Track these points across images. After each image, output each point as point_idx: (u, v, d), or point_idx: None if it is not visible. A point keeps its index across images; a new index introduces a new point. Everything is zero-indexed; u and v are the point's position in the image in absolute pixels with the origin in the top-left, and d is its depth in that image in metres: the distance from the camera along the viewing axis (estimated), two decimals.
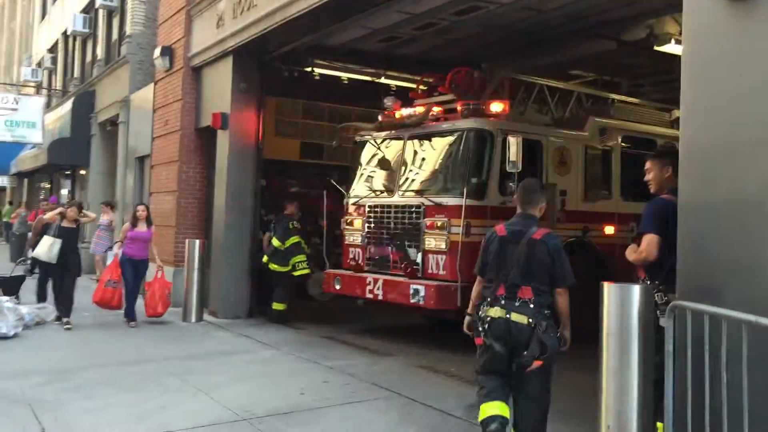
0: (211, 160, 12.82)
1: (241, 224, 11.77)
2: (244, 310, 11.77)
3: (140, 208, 10.94)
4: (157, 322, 10.90)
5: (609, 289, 4.57)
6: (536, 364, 4.77)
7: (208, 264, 11.68)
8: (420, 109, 9.78)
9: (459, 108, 9.26)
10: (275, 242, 11.39)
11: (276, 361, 8.50)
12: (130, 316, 10.64)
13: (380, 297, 9.20)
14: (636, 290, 4.46)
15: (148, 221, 10.88)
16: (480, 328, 4.93)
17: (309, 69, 12.75)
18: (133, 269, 10.68)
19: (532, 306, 4.84)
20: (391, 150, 10.09)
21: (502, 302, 4.89)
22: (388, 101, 10.20)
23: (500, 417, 4.86)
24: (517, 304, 4.86)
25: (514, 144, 8.23)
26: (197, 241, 11.44)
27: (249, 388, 7.10)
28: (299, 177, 14.67)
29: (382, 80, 13.73)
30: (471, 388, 7.11)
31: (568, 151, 9.63)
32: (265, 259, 11.44)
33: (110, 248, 11.21)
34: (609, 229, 9.97)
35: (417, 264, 8.98)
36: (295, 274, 11.48)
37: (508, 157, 8.28)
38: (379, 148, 10.34)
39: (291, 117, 14.31)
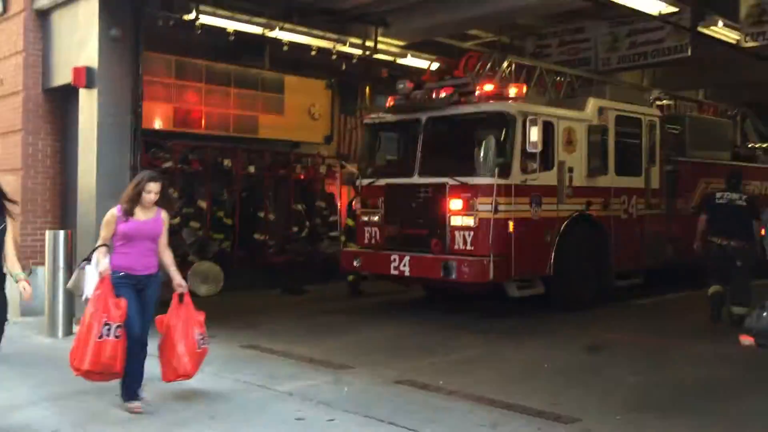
0: (68, 129, 10.13)
1: None
2: None
3: (151, 185, 5.65)
4: None
5: None
6: None
7: (72, 261, 9.09)
8: (442, 93, 9.86)
9: (479, 92, 9.59)
10: (350, 222, 11.84)
11: (211, 389, 6.36)
12: (138, 383, 5.71)
13: (407, 273, 9.59)
14: None
15: (163, 205, 5.84)
16: None
17: (192, 17, 10.45)
18: (137, 296, 5.62)
19: None
20: (406, 132, 10.51)
21: None
22: (400, 84, 10.25)
23: None
24: None
25: (536, 126, 8.92)
26: (62, 233, 8.82)
27: None
28: (173, 150, 12.21)
29: (276, 33, 11.65)
30: (495, 412, 5.61)
31: (573, 131, 10.07)
32: (343, 239, 12.14)
33: (87, 260, 5.75)
34: (606, 203, 10.57)
35: (444, 240, 9.36)
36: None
37: (529, 138, 8.95)
38: (392, 131, 10.92)
39: (161, 77, 11.76)
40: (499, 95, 9.45)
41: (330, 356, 7.52)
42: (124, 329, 5.44)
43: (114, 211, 5.64)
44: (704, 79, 17.57)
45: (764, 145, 14.58)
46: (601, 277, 10.37)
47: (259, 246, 13.13)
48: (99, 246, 5.65)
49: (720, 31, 11.36)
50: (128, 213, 5.59)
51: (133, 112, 9.32)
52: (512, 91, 9.44)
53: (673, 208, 11.77)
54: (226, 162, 12.75)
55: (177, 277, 5.78)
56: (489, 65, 10.10)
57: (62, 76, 9.67)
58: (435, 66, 10.77)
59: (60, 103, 10.20)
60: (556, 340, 8.37)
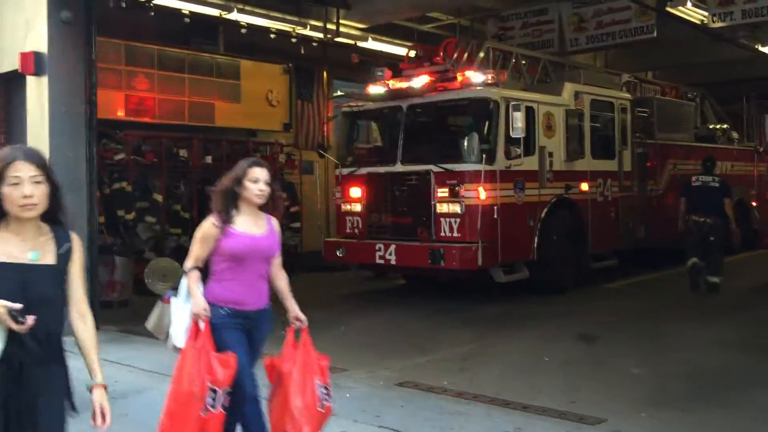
0: (12, 119, 9.33)
1: (73, 206, 8.52)
2: None
3: (257, 171, 3.97)
4: None
5: None
6: None
7: None
8: (424, 80, 9.77)
9: (461, 78, 9.48)
10: None
11: None
12: None
13: (393, 262, 9.54)
14: None
15: (271, 208, 4.10)
16: None
17: None
18: (246, 340, 4.00)
19: None
20: (387, 120, 10.50)
21: None
22: (378, 71, 10.06)
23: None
24: None
25: (519, 112, 8.77)
26: None
27: None
28: (125, 141, 11.44)
29: (234, 15, 11.04)
30: (514, 414, 5.28)
31: (552, 115, 10.04)
32: None
33: (173, 290, 4.05)
34: (584, 186, 10.58)
35: (430, 228, 9.28)
36: None
37: (512, 124, 8.80)
38: (372, 119, 11.00)
39: (110, 63, 10.96)
40: (483, 81, 9.37)
41: None
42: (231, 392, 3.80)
43: (213, 220, 3.93)
44: (655, 60, 17.65)
45: (724, 126, 14.74)
46: (580, 259, 10.30)
47: None
48: (190, 270, 3.95)
49: (687, 11, 11.29)
50: (227, 219, 3.89)
51: (88, 101, 8.59)
52: (494, 77, 9.43)
53: (644, 190, 11.77)
54: (182, 152, 12.03)
55: (294, 308, 4.10)
56: (467, 51, 10.05)
57: (6, 63, 8.88)
58: (412, 53, 10.56)
59: (2, 92, 9.39)
60: (547, 329, 8.14)
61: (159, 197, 11.87)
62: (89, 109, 8.62)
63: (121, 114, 11.16)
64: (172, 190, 12.09)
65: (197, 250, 3.98)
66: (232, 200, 3.95)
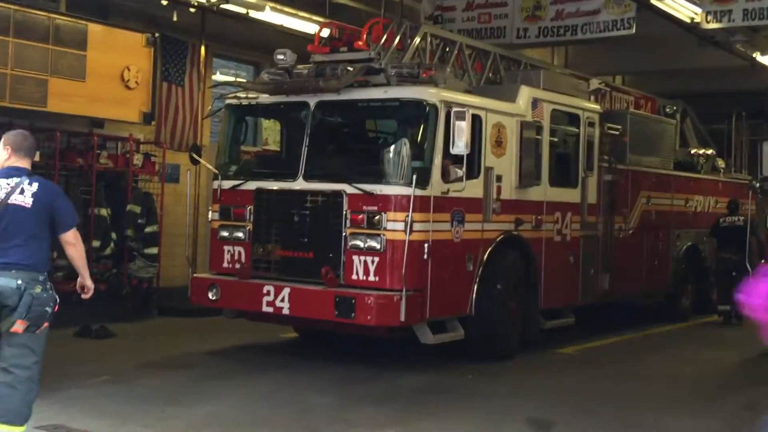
0: None
1: None
2: None
3: None
4: None
5: None
6: None
7: None
8: (342, 71, 9.55)
9: (390, 72, 9.39)
10: None
11: None
12: None
13: (285, 311, 9.28)
14: None
15: None
16: None
17: None
18: None
19: None
20: (287, 120, 10.67)
21: None
22: (280, 54, 9.80)
23: None
24: None
25: (464, 121, 8.66)
26: None
27: None
28: None
29: None
30: None
31: (504, 128, 10.01)
32: None
33: None
34: (538, 221, 10.69)
35: (338, 267, 9.16)
36: None
37: (454, 137, 8.69)
38: (267, 117, 11.33)
39: None
40: (417, 78, 9.31)
41: None
42: None
43: None
44: (626, 62, 18.19)
45: (708, 152, 15.21)
46: (528, 316, 10.41)
47: None
48: None
49: (677, 5, 11.61)
50: None
51: None
52: (429, 73, 9.35)
53: (610, 229, 11.95)
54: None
55: None
56: (398, 36, 10.05)
57: None
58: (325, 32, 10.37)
59: None
60: (491, 410, 8.03)
61: None
62: None
63: None
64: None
65: None
66: None
